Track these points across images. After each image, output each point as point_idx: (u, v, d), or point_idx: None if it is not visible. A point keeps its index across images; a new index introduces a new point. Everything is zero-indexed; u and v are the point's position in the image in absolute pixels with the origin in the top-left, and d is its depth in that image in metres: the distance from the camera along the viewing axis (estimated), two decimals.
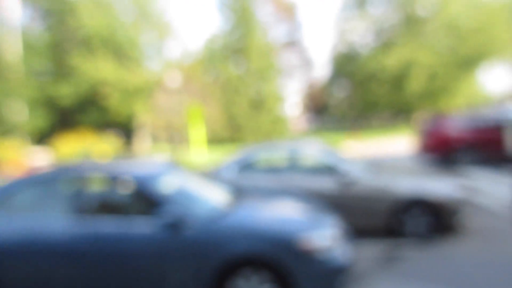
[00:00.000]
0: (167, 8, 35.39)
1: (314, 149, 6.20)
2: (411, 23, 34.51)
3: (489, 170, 10.56)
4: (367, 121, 43.80)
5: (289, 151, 6.24)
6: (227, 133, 29.31)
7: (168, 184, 4.16)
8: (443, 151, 11.23)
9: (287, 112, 43.98)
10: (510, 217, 6.04)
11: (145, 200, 3.84)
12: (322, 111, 52.28)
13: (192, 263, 3.58)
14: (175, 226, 3.65)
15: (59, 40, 29.50)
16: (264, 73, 32.10)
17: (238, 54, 32.09)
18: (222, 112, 28.76)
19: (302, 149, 6.22)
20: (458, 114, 12.02)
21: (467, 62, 32.59)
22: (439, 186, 5.68)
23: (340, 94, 44.20)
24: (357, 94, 39.12)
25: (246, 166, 6.16)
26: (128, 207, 4.04)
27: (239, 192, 4.91)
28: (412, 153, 13.43)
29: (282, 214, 4.26)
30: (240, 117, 29.70)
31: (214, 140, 29.71)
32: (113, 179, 4.08)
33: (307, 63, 43.43)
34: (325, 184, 5.76)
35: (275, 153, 6.35)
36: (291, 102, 48.67)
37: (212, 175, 6.15)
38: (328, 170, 5.88)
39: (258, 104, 31.01)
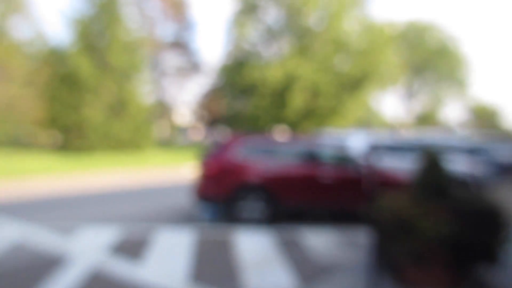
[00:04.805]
0: None
1: None
2: (301, 35, 32.11)
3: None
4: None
5: None
6: (71, 140, 23.84)
7: None
8: (221, 194, 6.78)
9: (179, 121, 39.38)
10: None
11: None
12: (219, 123, 48.15)
13: None
14: None
15: None
16: (130, 73, 27.17)
17: (98, 47, 26.77)
18: (64, 113, 23.39)
19: None
20: (263, 135, 7.87)
21: (354, 83, 30.82)
22: None
23: (236, 105, 40.55)
24: (248, 106, 35.81)
25: None
26: None
27: None
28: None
29: None
30: (90, 122, 24.28)
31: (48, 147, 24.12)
32: None
33: (195, 67, 39.17)
34: None
35: None
36: (180, 111, 44.21)
37: None
38: None
39: (118, 108, 25.90)
